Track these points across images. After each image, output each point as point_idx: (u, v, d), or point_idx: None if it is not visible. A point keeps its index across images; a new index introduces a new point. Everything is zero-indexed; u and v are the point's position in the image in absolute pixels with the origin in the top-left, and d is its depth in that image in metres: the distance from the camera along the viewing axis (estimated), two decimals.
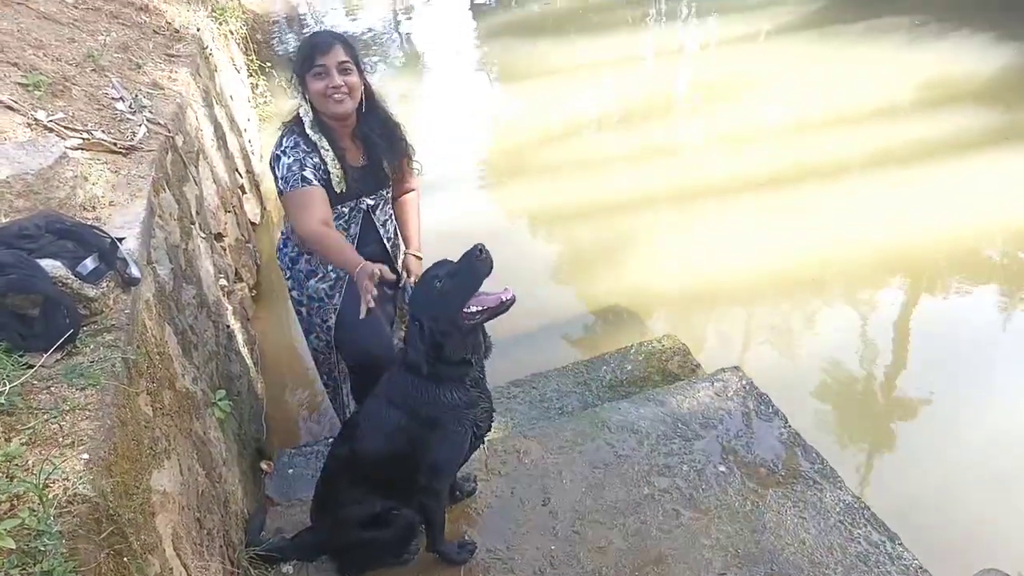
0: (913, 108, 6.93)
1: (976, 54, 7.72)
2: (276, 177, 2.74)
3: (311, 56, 2.64)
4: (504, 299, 2.30)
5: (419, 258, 3.09)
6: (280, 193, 2.76)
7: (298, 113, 2.77)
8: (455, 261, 2.37)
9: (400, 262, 3.13)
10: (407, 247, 3.11)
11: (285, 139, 2.74)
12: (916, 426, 3.93)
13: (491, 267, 2.29)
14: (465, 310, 2.30)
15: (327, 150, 2.72)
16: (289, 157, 2.69)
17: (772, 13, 9.43)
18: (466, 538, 2.74)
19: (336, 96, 2.65)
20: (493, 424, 2.67)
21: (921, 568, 2.66)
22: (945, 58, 7.74)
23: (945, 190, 5.66)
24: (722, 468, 3.06)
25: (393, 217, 3.08)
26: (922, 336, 4.54)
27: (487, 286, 2.33)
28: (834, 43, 8.39)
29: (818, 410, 4.05)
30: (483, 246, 2.28)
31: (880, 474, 3.64)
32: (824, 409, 4.08)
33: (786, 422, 3.28)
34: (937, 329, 4.58)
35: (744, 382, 3.50)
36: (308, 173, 2.67)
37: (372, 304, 2.44)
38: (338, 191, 2.76)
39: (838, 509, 2.86)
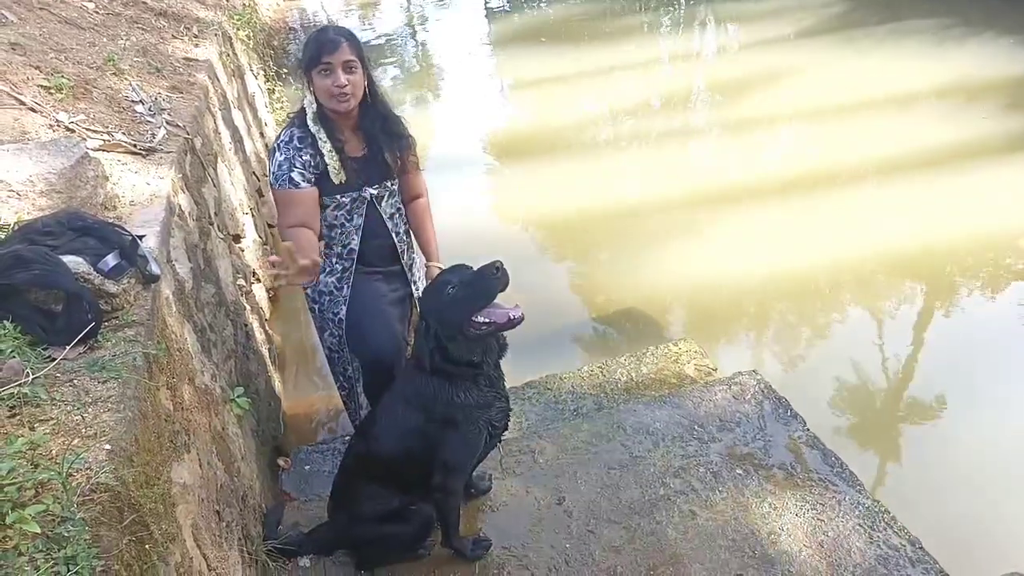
0: (935, 112, 6.89)
1: (1000, 58, 7.66)
2: (270, 170, 2.82)
3: (317, 54, 2.67)
4: (512, 316, 2.31)
5: (441, 268, 3.10)
6: (271, 187, 2.83)
7: (303, 104, 2.81)
8: (471, 268, 2.39)
9: (415, 272, 3.17)
10: (427, 259, 3.12)
11: (284, 132, 2.80)
12: (935, 429, 3.90)
13: (506, 285, 2.29)
14: (473, 319, 2.32)
15: (325, 141, 2.75)
16: (281, 154, 2.75)
17: (793, 18, 9.40)
18: (481, 535, 2.74)
19: (340, 95, 2.68)
20: (509, 424, 2.67)
21: (942, 572, 2.63)
22: (969, 62, 7.68)
23: (966, 195, 5.62)
24: (739, 470, 3.04)
25: (402, 212, 3.09)
26: (939, 340, 4.51)
27: (501, 299, 2.34)
28: (856, 47, 8.35)
29: (836, 413, 4.03)
30: (501, 263, 2.29)
31: (900, 478, 3.61)
32: (842, 412, 4.06)
33: (804, 425, 3.26)
34: (954, 333, 4.56)
35: (762, 385, 3.48)
36: (296, 175, 2.73)
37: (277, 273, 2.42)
38: (336, 181, 2.79)
39: (857, 512, 2.84)
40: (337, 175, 2.77)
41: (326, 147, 2.75)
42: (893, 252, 5.13)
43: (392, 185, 2.98)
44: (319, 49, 2.66)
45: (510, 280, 2.31)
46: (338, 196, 2.83)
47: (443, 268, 3.00)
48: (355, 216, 2.90)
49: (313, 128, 2.75)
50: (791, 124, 7.19)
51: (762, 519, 2.81)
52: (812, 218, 5.54)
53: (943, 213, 5.45)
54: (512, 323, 2.31)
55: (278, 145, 2.78)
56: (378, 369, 2.98)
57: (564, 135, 7.35)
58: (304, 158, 2.74)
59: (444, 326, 2.35)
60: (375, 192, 2.91)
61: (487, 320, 2.32)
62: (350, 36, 2.73)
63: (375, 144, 2.87)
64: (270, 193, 3.13)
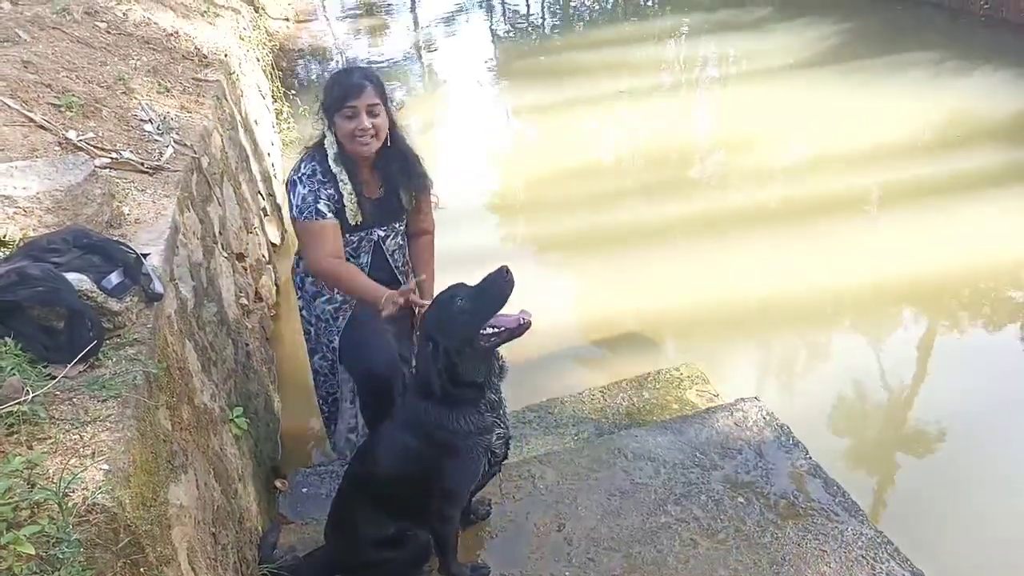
0: (933, 144, 6.92)
1: (998, 91, 7.71)
2: (291, 203, 2.80)
3: (342, 98, 2.66)
4: (522, 321, 2.31)
5: None
6: (293, 219, 2.82)
7: (323, 142, 2.81)
8: (471, 285, 2.39)
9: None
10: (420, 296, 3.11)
11: (304, 165, 2.79)
12: (936, 459, 3.87)
13: (512, 288, 2.31)
14: (482, 331, 2.31)
15: (345, 183, 2.75)
16: (305, 187, 2.74)
17: (793, 49, 9.46)
18: (479, 562, 2.71)
19: (363, 139, 2.68)
20: (509, 452, 2.66)
21: None
22: (967, 95, 7.72)
23: (964, 226, 5.62)
24: (740, 499, 3.01)
25: (403, 248, 3.09)
26: (941, 368, 4.49)
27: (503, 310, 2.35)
28: (856, 78, 8.40)
29: (837, 442, 4.00)
30: (508, 268, 2.31)
31: (902, 508, 3.57)
32: (844, 441, 4.03)
33: (807, 453, 3.24)
34: (956, 361, 4.54)
35: (764, 412, 3.46)
36: (322, 206, 2.73)
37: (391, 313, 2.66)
38: (353, 223, 2.81)
39: (860, 543, 2.80)
40: (354, 217, 2.79)
41: (347, 189, 2.76)
42: (893, 281, 5.12)
43: (399, 226, 2.99)
44: (344, 92, 2.66)
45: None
46: (346, 235, 2.85)
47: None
48: (361, 254, 2.92)
49: (335, 169, 2.75)
50: (791, 153, 7.22)
51: (763, 549, 2.78)
52: (813, 246, 5.54)
53: (942, 243, 5.45)
54: (522, 328, 2.32)
55: (300, 179, 2.76)
56: (374, 386, 2.97)
57: (567, 160, 7.38)
58: (328, 191, 2.75)
59: (453, 340, 2.33)
60: (383, 234, 2.93)
61: (497, 328, 2.32)
62: (375, 79, 2.74)
63: (391, 184, 2.88)
64: (277, 214, 3.15)
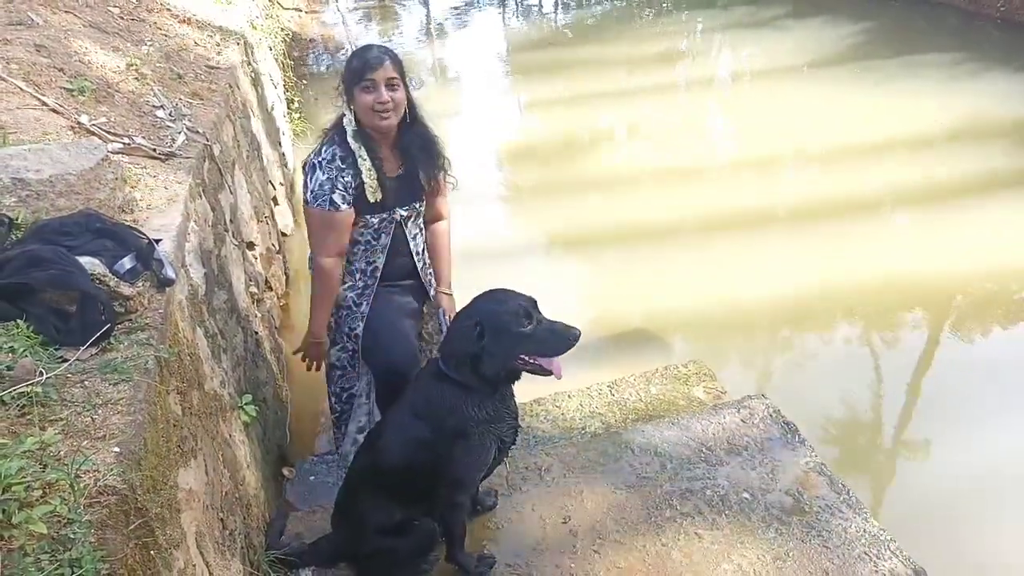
0: (945, 146, 6.89)
1: (1012, 94, 7.66)
2: (306, 185, 2.81)
3: (361, 71, 2.68)
4: (552, 369, 2.41)
5: (449, 295, 3.11)
6: (306, 203, 2.83)
7: (341, 122, 2.82)
8: (544, 316, 2.44)
9: (431, 294, 3.17)
10: (438, 283, 3.13)
11: (324, 149, 2.79)
12: (940, 458, 3.88)
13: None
14: (522, 355, 2.39)
15: (364, 160, 2.75)
16: (323, 173, 2.74)
17: (808, 48, 9.42)
18: (485, 552, 2.72)
19: (382, 112, 2.70)
20: (517, 439, 2.67)
21: None
22: (981, 97, 7.68)
23: (973, 228, 5.62)
24: (745, 495, 3.01)
25: (423, 232, 3.10)
26: (947, 368, 4.50)
27: None
28: (870, 78, 8.36)
29: (843, 440, 4.00)
30: (579, 333, 2.40)
31: (906, 505, 3.58)
32: (849, 439, 4.03)
33: (812, 451, 3.23)
34: (961, 362, 4.55)
35: (770, 410, 3.45)
36: (337, 197, 2.73)
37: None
38: (372, 200, 2.80)
39: (863, 540, 2.80)
40: (373, 194, 2.79)
41: (365, 165, 2.75)
42: (902, 282, 5.11)
43: (420, 207, 3.00)
44: (363, 66, 2.68)
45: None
46: (367, 216, 2.84)
47: (451, 294, 3.11)
48: (382, 236, 2.92)
49: (353, 145, 2.75)
50: (802, 153, 7.20)
51: (767, 544, 2.78)
52: (824, 245, 5.54)
53: (951, 245, 5.45)
54: (547, 374, 2.41)
55: (319, 163, 2.77)
56: (393, 380, 2.97)
57: (577, 153, 7.38)
58: (346, 179, 2.75)
59: (497, 345, 2.36)
60: (405, 214, 2.92)
61: (530, 361, 2.40)
62: (393, 55, 2.76)
63: (411, 163, 2.89)
64: (288, 204, 3.15)
